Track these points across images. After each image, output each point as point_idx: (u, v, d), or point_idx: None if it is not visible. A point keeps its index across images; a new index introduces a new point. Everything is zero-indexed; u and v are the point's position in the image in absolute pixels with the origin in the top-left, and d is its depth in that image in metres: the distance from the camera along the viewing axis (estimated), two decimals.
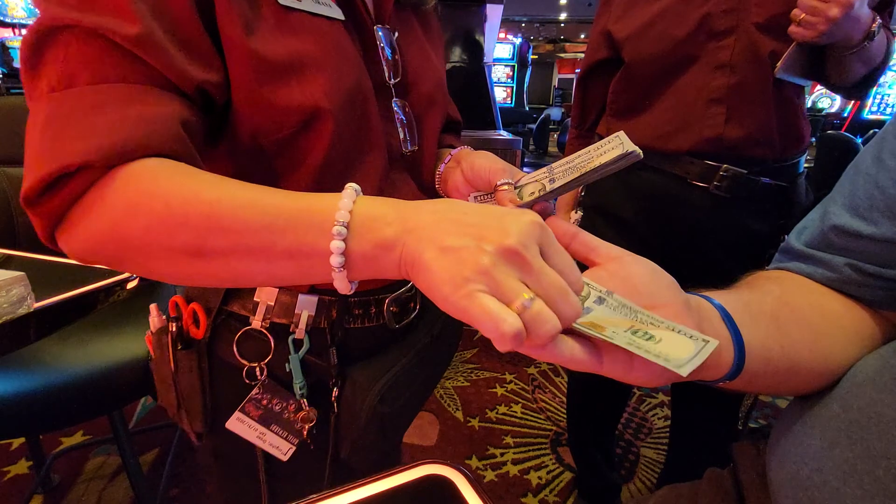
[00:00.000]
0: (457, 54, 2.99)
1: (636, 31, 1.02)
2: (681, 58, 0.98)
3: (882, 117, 5.23)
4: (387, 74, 0.56)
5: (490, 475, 1.64)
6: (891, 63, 0.96)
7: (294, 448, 0.61)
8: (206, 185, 0.38)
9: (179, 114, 0.40)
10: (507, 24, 11.13)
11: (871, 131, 3.73)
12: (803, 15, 0.83)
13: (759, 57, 0.92)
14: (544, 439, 1.81)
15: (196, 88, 0.42)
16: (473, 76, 3.02)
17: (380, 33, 0.55)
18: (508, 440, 1.80)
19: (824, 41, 0.85)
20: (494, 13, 2.98)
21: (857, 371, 0.43)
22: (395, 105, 0.57)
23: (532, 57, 7.89)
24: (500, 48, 7.09)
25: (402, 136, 0.58)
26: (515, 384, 2.13)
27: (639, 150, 0.40)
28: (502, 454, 1.73)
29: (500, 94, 7.35)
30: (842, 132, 3.09)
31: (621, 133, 0.43)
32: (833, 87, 1.00)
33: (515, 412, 1.95)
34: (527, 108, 7.60)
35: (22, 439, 1.64)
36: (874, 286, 0.45)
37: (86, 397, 1.00)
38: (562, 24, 12.04)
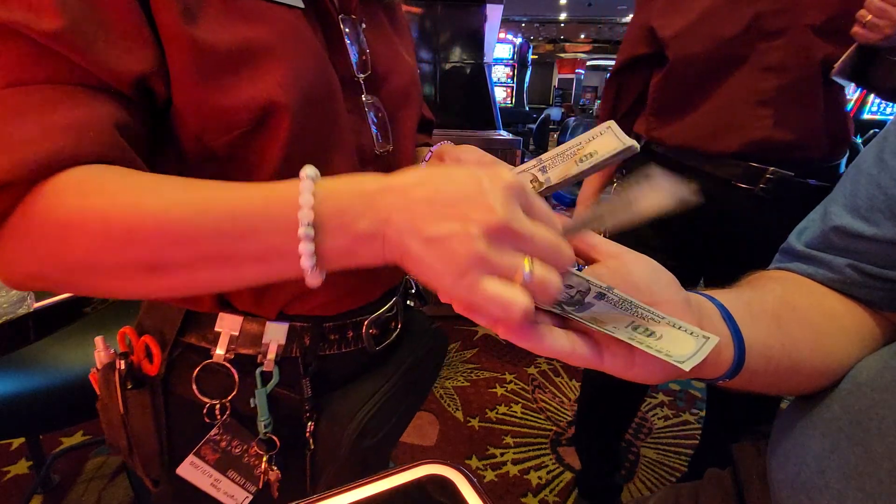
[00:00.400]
0: (457, 54, 2.99)
1: (683, 29, 1.00)
2: (729, 58, 0.97)
3: (882, 117, 5.22)
4: (355, 68, 0.51)
5: (490, 475, 1.63)
6: None
7: (251, 497, 0.55)
8: (148, 191, 0.34)
9: (113, 116, 0.36)
10: (507, 24, 11.12)
11: (872, 131, 3.72)
12: (870, 17, 0.82)
13: (811, 59, 0.91)
14: (544, 439, 1.81)
15: (134, 84, 0.37)
16: (473, 76, 3.01)
17: (345, 24, 0.50)
18: (508, 440, 1.80)
19: (887, 44, 0.84)
20: (494, 13, 2.97)
21: (857, 372, 0.43)
22: (365, 101, 0.53)
23: (532, 57, 7.88)
24: (500, 48, 7.08)
25: (374, 134, 0.53)
26: (515, 384, 2.13)
27: (636, 144, 0.40)
28: (502, 454, 1.73)
29: (500, 94, 7.34)
30: None
31: (612, 124, 0.42)
32: (874, 90, 0.99)
33: (515, 412, 1.95)
34: (527, 108, 7.59)
35: (22, 439, 1.63)
36: (875, 287, 0.45)
37: (86, 397, 0.99)
38: (562, 24, 12.04)
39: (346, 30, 0.50)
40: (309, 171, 0.33)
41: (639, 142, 0.41)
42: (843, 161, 1.04)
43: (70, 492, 1.48)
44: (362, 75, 0.52)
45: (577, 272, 0.36)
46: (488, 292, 0.28)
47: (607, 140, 0.41)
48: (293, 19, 0.45)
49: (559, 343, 0.30)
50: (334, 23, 0.50)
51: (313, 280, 0.33)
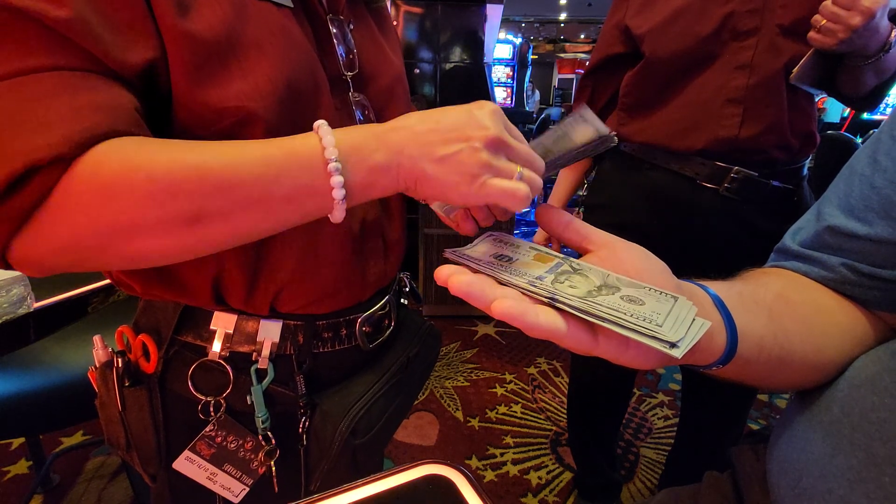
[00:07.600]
0: (457, 54, 2.99)
1: (657, 26, 1.00)
2: (702, 56, 0.97)
3: (882, 117, 5.23)
4: (342, 66, 0.53)
5: (490, 475, 1.64)
6: None
7: (247, 489, 0.56)
8: (184, 149, 0.36)
9: (130, 100, 0.38)
10: (507, 24, 11.12)
11: (871, 131, 3.73)
12: (824, 21, 0.82)
13: (778, 59, 0.92)
14: (544, 439, 1.81)
15: (139, 74, 0.39)
16: (473, 76, 3.02)
17: (333, 24, 0.52)
18: (508, 440, 1.80)
19: (842, 50, 0.83)
20: (494, 13, 2.98)
21: (854, 373, 0.43)
22: (353, 98, 0.54)
23: (532, 57, 7.89)
24: (500, 48, 7.08)
25: None
26: (515, 384, 2.13)
27: (613, 134, 0.41)
28: (502, 454, 1.73)
29: (500, 94, 7.35)
30: (842, 132, 3.10)
31: (587, 111, 0.43)
32: (843, 98, 0.99)
33: (515, 412, 1.95)
34: (527, 108, 7.59)
35: (22, 439, 1.64)
36: (869, 286, 0.45)
37: (86, 397, 0.99)
38: (562, 24, 12.04)
39: (334, 30, 0.52)
40: (322, 121, 0.38)
41: None
42: (805, 163, 1.05)
43: (70, 492, 1.48)
44: (350, 73, 0.54)
45: (553, 251, 0.38)
46: (497, 186, 0.37)
47: (584, 129, 0.42)
48: (282, 17, 0.47)
49: (554, 323, 0.30)
50: (323, 22, 0.51)
51: (339, 213, 0.39)
